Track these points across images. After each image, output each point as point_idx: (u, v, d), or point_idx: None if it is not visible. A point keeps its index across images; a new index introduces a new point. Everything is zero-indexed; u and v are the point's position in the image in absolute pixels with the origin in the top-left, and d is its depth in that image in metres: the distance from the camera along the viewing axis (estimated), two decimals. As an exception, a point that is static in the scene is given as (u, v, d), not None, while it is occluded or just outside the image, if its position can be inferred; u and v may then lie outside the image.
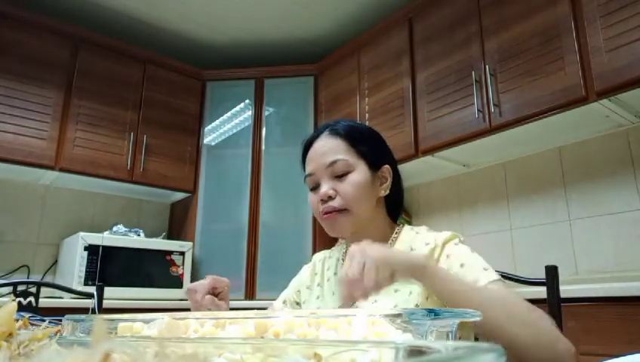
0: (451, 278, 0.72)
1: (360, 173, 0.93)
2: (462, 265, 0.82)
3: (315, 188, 0.97)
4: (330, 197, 0.92)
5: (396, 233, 0.98)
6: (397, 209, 1.04)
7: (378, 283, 0.67)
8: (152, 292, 2.65)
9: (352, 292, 0.67)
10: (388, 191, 0.98)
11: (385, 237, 0.97)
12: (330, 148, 0.95)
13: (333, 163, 0.94)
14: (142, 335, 0.42)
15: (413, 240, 0.94)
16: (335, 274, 1.03)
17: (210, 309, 0.87)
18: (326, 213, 0.92)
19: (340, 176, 0.93)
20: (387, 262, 0.68)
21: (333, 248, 1.12)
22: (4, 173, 2.68)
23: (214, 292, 0.90)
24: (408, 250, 0.92)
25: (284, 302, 1.10)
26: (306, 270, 1.13)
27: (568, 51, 1.88)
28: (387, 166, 0.99)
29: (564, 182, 2.22)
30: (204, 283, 0.89)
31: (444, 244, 0.87)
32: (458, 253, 0.85)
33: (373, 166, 0.97)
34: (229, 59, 3.41)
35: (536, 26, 2.01)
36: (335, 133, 0.97)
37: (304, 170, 1.01)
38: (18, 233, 2.76)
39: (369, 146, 0.97)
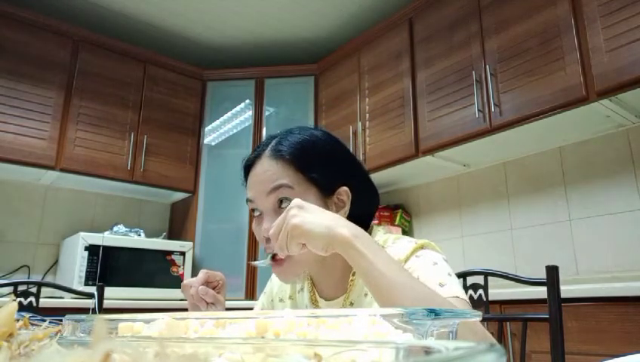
0: (363, 260, 0.64)
1: None
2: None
3: (257, 214, 0.85)
4: None
5: None
6: (366, 220, 0.90)
7: (292, 253, 0.70)
8: (152, 292, 2.65)
9: (277, 253, 0.73)
10: (345, 217, 0.82)
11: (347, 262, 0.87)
12: (272, 174, 0.81)
13: (276, 188, 0.80)
14: (142, 335, 0.42)
15: None
16: (301, 289, 0.95)
17: (206, 302, 0.87)
18: (273, 258, 0.81)
19: (284, 209, 0.76)
20: (300, 237, 0.67)
21: None
22: (5, 173, 2.68)
23: (209, 286, 0.90)
24: None
25: (261, 310, 1.04)
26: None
27: (569, 51, 1.88)
28: (345, 188, 0.84)
29: (564, 182, 2.22)
30: (197, 278, 0.89)
31: (406, 260, 0.78)
32: (415, 266, 0.76)
33: (327, 191, 0.82)
34: (229, 59, 3.42)
35: (537, 25, 2.01)
36: (279, 155, 0.82)
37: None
38: (19, 233, 2.77)
39: (321, 167, 0.82)
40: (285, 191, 0.80)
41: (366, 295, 0.82)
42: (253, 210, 0.86)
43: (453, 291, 0.71)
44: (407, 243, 0.81)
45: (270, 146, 0.84)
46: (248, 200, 0.86)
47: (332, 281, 0.87)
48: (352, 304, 0.84)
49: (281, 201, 0.80)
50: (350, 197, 0.85)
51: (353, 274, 0.85)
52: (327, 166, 0.83)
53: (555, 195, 2.25)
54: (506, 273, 1.18)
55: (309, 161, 0.82)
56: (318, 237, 0.66)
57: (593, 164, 2.14)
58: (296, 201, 0.70)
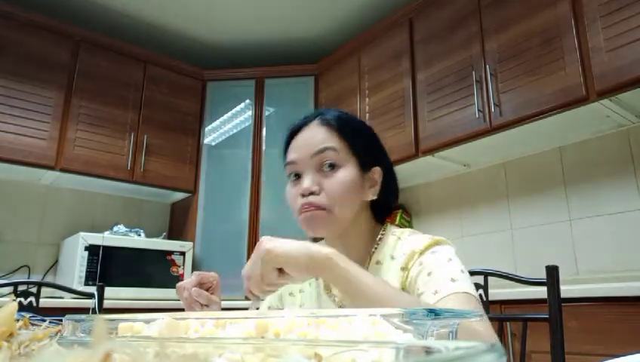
0: (349, 276, 0.66)
1: (349, 171, 0.85)
2: (429, 274, 0.77)
3: (295, 179, 0.88)
4: (313, 193, 0.83)
5: (379, 239, 0.90)
6: (385, 212, 0.95)
7: (268, 282, 0.69)
8: (152, 292, 2.65)
9: (251, 290, 0.72)
10: (376, 196, 0.89)
11: (367, 244, 0.90)
12: (319, 139, 0.86)
13: (321, 151, 0.84)
14: (142, 336, 0.42)
15: (395, 247, 0.87)
16: (316, 278, 0.97)
17: (200, 303, 0.87)
18: (305, 209, 0.83)
19: (326, 171, 0.84)
20: (275, 260, 0.68)
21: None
22: (5, 173, 2.68)
23: (203, 288, 0.91)
24: (390, 258, 0.86)
25: (269, 308, 1.05)
26: None
27: (569, 51, 1.88)
28: (378, 168, 0.90)
29: (564, 182, 2.22)
30: (190, 281, 0.90)
31: (421, 253, 0.81)
32: (430, 262, 0.79)
33: (364, 166, 0.88)
34: (229, 59, 3.42)
35: (537, 25, 2.01)
36: (327, 123, 0.88)
37: (285, 158, 0.91)
38: (19, 233, 2.76)
39: (362, 143, 0.89)
40: (330, 153, 0.85)
41: None
42: (292, 180, 0.89)
43: (464, 287, 0.74)
44: (425, 238, 0.85)
45: (318, 117, 0.91)
46: (288, 164, 0.89)
47: None
48: None
49: (323, 171, 0.84)
50: (381, 179, 0.90)
51: (368, 263, 0.88)
52: (367, 143, 0.90)
53: (555, 195, 2.25)
54: (506, 273, 1.18)
55: (353, 133, 0.88)
56: (298, 258, 0.67)
57: (593, 164, 2.13)
58: (263, 237, 0.72)
